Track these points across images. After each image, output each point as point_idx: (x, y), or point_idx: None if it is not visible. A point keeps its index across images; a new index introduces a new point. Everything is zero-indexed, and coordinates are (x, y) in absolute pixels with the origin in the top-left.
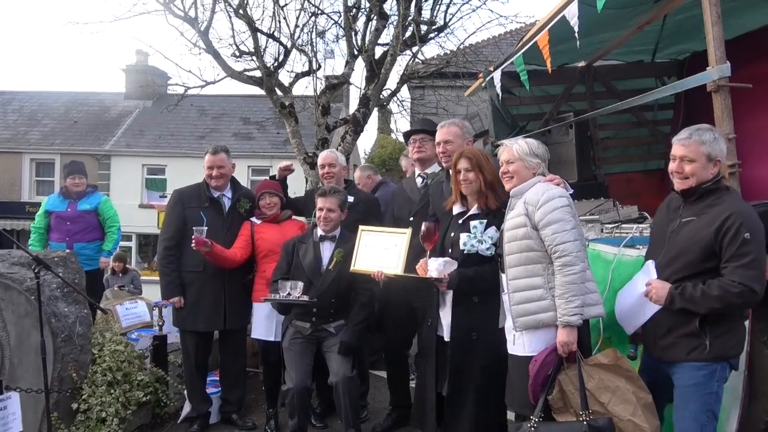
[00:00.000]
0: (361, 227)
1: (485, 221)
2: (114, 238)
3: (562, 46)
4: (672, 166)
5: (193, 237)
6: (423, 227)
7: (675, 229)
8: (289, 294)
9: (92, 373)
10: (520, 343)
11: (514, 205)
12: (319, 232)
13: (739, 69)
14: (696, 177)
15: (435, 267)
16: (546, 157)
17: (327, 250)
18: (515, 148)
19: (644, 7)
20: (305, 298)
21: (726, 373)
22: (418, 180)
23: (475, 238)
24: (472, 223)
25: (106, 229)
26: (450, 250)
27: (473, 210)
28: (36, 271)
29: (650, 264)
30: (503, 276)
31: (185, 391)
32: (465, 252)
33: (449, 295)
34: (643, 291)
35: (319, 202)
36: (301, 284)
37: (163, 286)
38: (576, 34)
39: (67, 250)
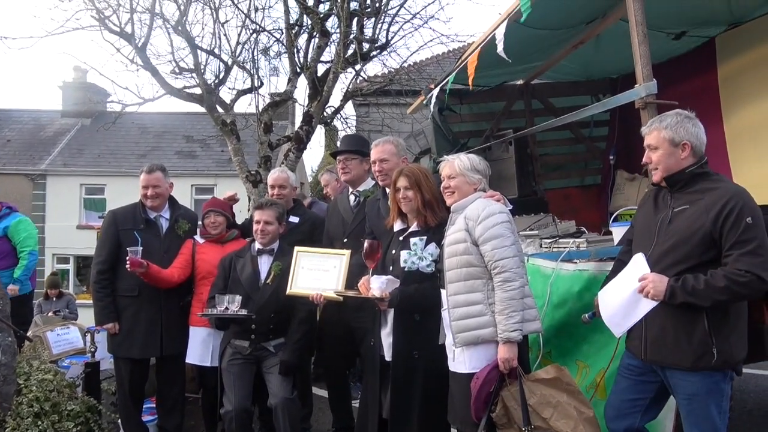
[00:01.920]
0: (296, 249)
1: (425, 238)
2: (23, 264)
3: (501, 64)
4: (644, 157)
5: (127, 258)
6: (366, 244)
7: (666, 220)
8: (226, 308)
9: (17, 404)
10: (461, 360)
11: (454, 220)
12: (257, 245)
13: (667, 88)
14: (662, 165)
15: (378, 285)
16: (487, 172)
17: (265, 263)
18: (456, 164)
19: (577, 29)
20: (244, 311)
21: (732, 374)
22: (351, 198)
23: (415, 255)
24: (412, 240)
25: (18, 254)
26: (391, 268)
27: (413, 227)
28: None
29: (640, 257)
30: (443, 292)
31: (119, 420)
32: (405, 269)
33: (390, 315)
34: (634, 287)
35: (256, 214)
36: (239, 298)
37: (97, 312)
38: (501, 52)
39: None
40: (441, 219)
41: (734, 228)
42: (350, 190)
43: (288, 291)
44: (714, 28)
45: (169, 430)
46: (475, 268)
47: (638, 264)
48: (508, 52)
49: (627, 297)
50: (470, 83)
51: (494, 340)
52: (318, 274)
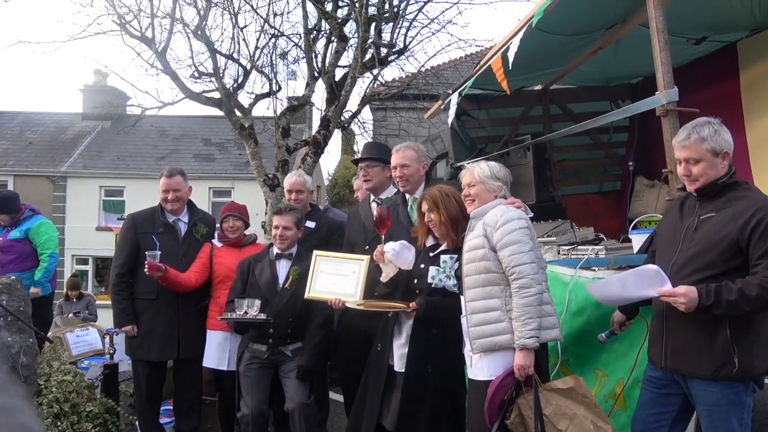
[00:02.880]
0: (315, 252)
1: (455, 257)
2: (44, 267)
3: (519, 69)
4: (679, 169)
5: (146, 262)
6: (375, 212)
7: (692, 227)
8: (245, 312)
9: (37, 405)
10: (478, 367)
11: (473, 226)
12: (275, 250)
13: (688, 94)
14: (705, 177)
15: (390, 249)
16: (508, 179)
17: (283, 268)
18: (476, 171)
19: (596, 34)
20: (262, 316)
21: (754, 386)
22: (373, 206)
23: (443, 273)
24: (443, 257)
25: (39, 256)
26: (416, 281)
27: (444, 245)
28: None
29: (657, 270)
30: (462, 298)
31: (137, 422)
32: (432, 285)
33: (406, 326)
34: (644, 293)
35: (275, 220)
36: (258, 302)
37: (116, 315)
38: (511, 55)
39: (13, 277)
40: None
41: (763, 237)
42: (372, 197)
43: (306, 295)
44: (736, 33)
45: None
46: (493, 274)
47: (654, 275)
48: (519, 58)
49: (629, 296)
50: (505, 87)
51: (512, 347)
52: (336, 278)
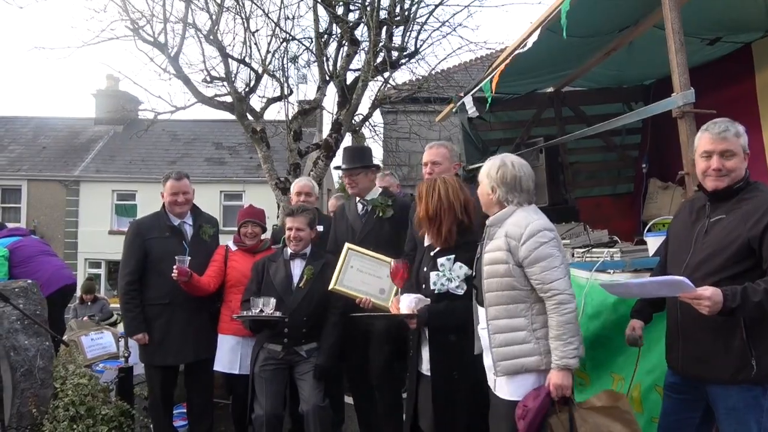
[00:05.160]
0: (348, 245)
1: (453, 257)
2: None
3: (531, 72)
4: (707, 164)
5: (175, 267)
6: (392, 265)
7: (703, 230)
8: (261, 310)
9: (54, 408)
10: (501, 385)
11: (492, 235)
12: (289, 250)
13: (703, 95)
14: (736, 172)
15: (406, 304)
16: (505, 180)
17: (298, 267)
18: (483, 170)
19: (609, 36)
20: (278, 314)
21: None
22: (359, 206)
23: (444, 277)
24: (440, 260)
25: None
26: (423, 286)
27: (438, 247)
28: None
29: (683, 281)
30: (480, 309)
31: (151, 425)
32: (435, 291)
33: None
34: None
35: (288, 221)
36: (273, 300)
37: (127, 323)
38: (518, 52)
39: (29, 281)
40: (469, 237)
41: None
42: (357, 199)
43: (331, 286)
44: (750, 33)
45: None
46: (517, 291)
47: (678, 281)
48: (532, 59)
49: (646, 295)
50: (492, 89)
51: (538, 370)
52: (368, 277)
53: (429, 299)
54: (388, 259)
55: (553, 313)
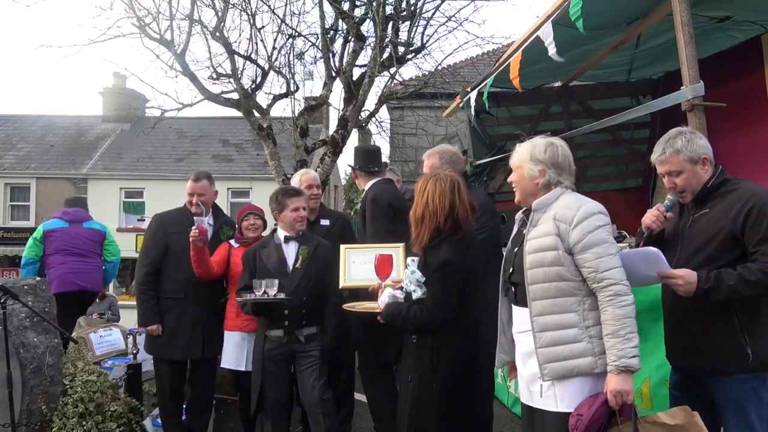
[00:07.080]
0: (343, 246)
1: (416, 260)
2: None
3: (538, 66)
4: (665, 183)
5: (194, 227)
6: (376, 259)
7: (687, 225)
8: (265, 293)
9: (63, 404)
10: (550, 395)
11: (536, 221)
12: (283, 234)
13: (711, 88)
14: (690, 187)
15: (381, 299)
16: (556, 160)
17: (292, 250)
18: (517, 154)
19: (617, 29)
20: (281, 295)
21: None
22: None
23: (407, 278)
24: (408, 259)
25: None
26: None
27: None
28: (2, 300)
29: (656, 252)
30: (517, 309)
31: (160, 421)
32: (404, 290)
33: None
34: (644, 272)
35: (295, 202)
36: (276, 281)
37: (141, 314)
38: (554, 54)
39: (38, 278)
40: (433, 237)
41: (756, 225)
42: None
43: (341, 285)
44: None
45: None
46: (567, 282)
47: (652, 256)
48: (539, 55)
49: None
50: (517, 85)
51: (591, 373)
52: (373, 266)
53: (402, 296)
54: (387, 245)
55: (608, 306)
